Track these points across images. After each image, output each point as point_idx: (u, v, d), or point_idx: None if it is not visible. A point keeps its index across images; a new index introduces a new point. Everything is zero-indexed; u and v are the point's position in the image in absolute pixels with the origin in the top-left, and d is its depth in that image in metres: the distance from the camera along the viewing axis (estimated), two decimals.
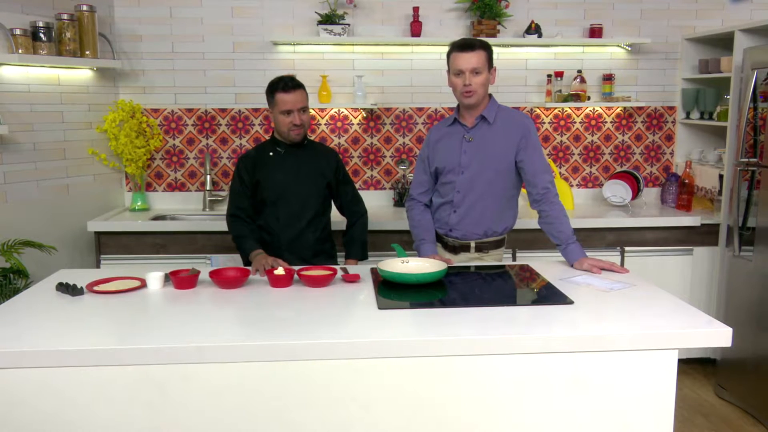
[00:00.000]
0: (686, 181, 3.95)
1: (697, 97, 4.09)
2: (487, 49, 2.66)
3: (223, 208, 3.83)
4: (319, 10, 3.94)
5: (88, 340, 1.81)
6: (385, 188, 4.23)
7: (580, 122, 4.26)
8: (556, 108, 4.22)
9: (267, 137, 3.07)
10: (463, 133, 2.74)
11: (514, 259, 3.64)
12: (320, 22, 3.88)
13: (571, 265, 2.58)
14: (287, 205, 2.93)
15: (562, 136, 4.27)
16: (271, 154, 2.97)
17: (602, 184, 4.29)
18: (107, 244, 3.61)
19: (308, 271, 2.41)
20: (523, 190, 3.05)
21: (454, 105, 2.86)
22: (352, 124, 4.15)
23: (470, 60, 2.60)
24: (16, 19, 3.30)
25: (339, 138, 4.15)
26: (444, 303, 2.17)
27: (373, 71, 4.11)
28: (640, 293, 2.22)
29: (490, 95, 2.75)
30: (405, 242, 3.16)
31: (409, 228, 2.92)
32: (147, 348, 1.77)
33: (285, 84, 2.84)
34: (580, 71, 4.13)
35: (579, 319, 1.97)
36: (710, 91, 4.01)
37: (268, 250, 2.85)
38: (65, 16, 3.46)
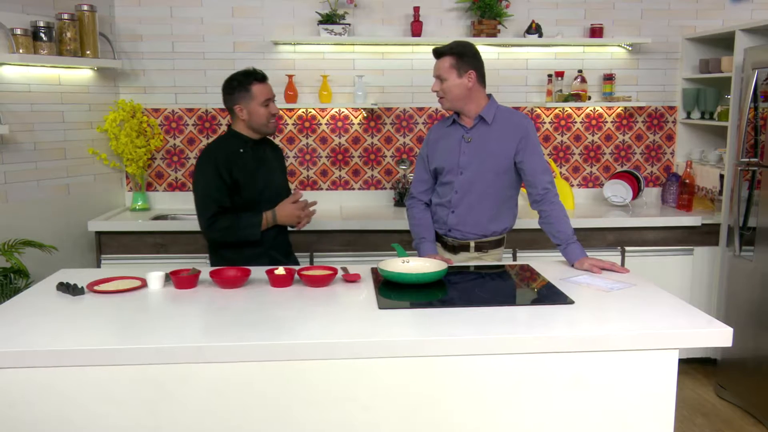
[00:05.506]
0: (687, 181, 3.95)
1: (698, 96, 4.09)
2: (457, 53, 2.61)
3: None
4: (320, 10, 3.94)
5: (88, 340, 1.81)
6: (385, 188, 4.23)
7: (580, 122, 4.26)
8: (556, 108, 4.22)
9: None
10: (462, 133, 2.73)
11: (514, 258, 3.64)
12: (321, 22, 3.88)
13: (572, 265, 2.58)
14: (270, 203, 2.80)
15: (562, 135, 4.27)
16: (241, 150, 2.77)
17: (603, 184, 4.29)
18: (108, 243, 3.61)
19: (308, 271, 2.41)
20: (523, 190, 3.06)
21: None
22: (353, 123, 4.15)
23: (435, 67, 2.67)
24: (16, 18, 3.30)
25: (339, 138, 4.15)
26: (444, 303, 2.17)
27: (374, 71, 4.11)
28: (640, 293, 2.22)
29: (490, 95, 2.74)
30: (405, 242, 3.16)
31: (408, 227, 2.92)
32: (147, 348, 1.76)
33: (258, 75, 2.73)
34: (580, 71, 4.12)
35: (579, 319, 1.97)
36: (711, 90, 4.01)
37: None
38: (66, 16, 3.46)
